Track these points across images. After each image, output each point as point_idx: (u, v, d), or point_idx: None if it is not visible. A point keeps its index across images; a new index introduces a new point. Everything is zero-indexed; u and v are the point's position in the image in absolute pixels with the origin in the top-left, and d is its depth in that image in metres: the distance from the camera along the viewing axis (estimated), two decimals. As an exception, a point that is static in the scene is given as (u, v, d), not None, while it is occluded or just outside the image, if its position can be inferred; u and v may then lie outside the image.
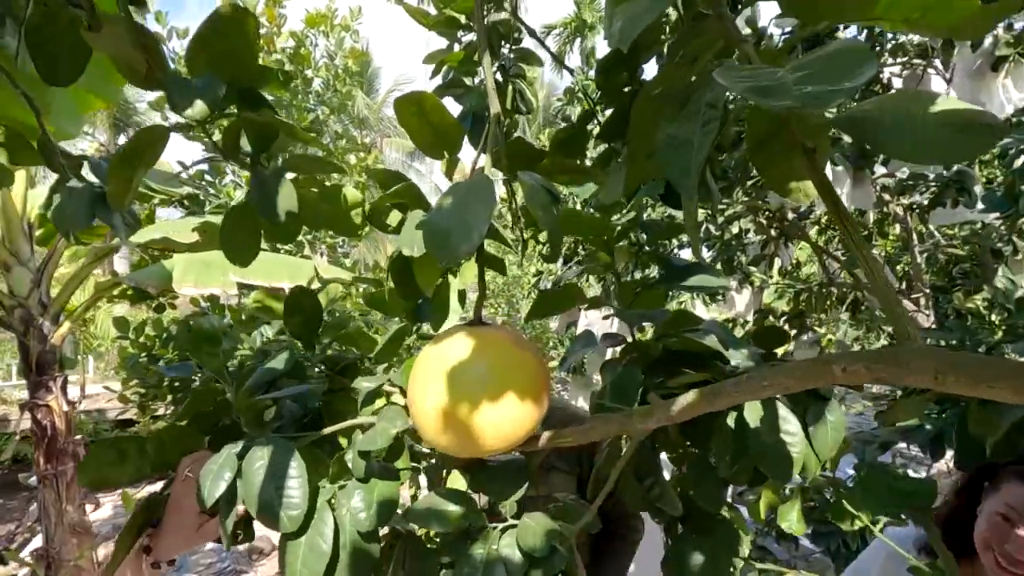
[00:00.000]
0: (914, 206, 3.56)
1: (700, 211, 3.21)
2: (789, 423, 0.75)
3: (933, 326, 3.25)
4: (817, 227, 3.58)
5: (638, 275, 0.99)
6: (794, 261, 3.95)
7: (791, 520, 0.92)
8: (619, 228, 0.89)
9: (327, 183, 0.77)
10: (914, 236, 3.27)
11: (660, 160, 0.46)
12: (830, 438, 0.77)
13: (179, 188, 3.89)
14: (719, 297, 3.77)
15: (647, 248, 0.89)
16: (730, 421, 0.80)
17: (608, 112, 0.96)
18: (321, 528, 0.68)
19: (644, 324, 0.89)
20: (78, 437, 2.88)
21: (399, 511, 0.81)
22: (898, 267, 4.32)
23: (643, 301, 0.91)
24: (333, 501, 0.75)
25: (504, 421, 0.56)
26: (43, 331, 2.69)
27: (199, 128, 0.59)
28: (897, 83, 3.38)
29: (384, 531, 0.94)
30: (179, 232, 3.14)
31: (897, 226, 3.79)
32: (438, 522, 0.70)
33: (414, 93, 0.68)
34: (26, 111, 0.89)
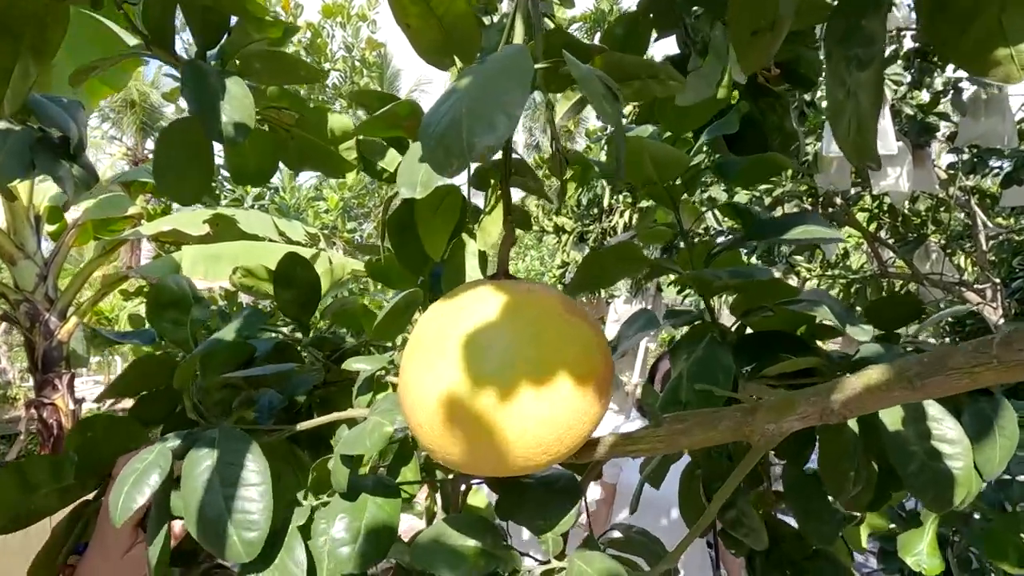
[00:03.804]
0: (975, 190, 3.25)
1: (745, 190, 2.96)
2: (946, 427, 0.53)
3: (1003, 320, 2.94)
4: (868, 214, 3.29)
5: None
6: (841, 251, 3.66)
7: (920, 554, 0.70)
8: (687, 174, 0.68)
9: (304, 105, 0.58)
10: (979, 221, 2.97)
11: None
12: (999, 450, 0.55)
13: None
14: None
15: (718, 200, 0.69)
16: (852, 423, 0.59)
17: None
18: (288, 566, 0.49)
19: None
20: (87, 437, 2.77)
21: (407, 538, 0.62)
22: (953, 258, 4.00)
23: (718, 267, 0.70)
24: (312, 524, 0.55)
25: (550, 420, 0.36)
26: (49, 327, 2.59)
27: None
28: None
29: (384, 564, 0.75)
30: (190, 224, 3.03)
31: (954, 213, 3.48)
32: (449, 563, 0.50)
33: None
34: None
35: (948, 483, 0.51)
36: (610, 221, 3.88)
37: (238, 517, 0.47)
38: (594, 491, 1.91)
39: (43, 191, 2.98)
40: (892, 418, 0.54)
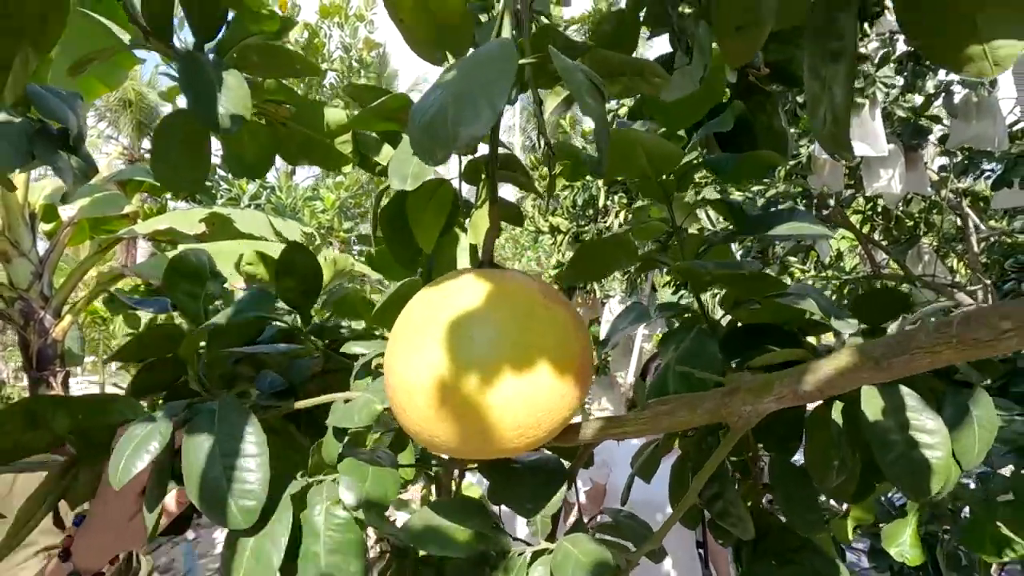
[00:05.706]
0: (967, 192, 3.28)
1: (738, 191, 2.98)
2: (925, 418, 0.54)
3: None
4: (861, 216, 3.32)
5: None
6: (834, 252, 3.68)
7: (903, 545, 0.71)
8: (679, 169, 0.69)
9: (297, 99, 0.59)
10: (971, 224, 2.99)
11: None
12: (978, 441, 0.56)
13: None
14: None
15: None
16: (836, 415, 0.60)
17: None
18: (277, 532, 0.51)
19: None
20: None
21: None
22: (945, 260, 4.03)
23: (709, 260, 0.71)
24: (308, 496, 0.56)
25: (529, 404, 0.38)
26: (44, 324, 2.58)
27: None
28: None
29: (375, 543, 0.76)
30: (185, 223, 3.02)
31: (946, 215, 3.51)
32: (441, 544, 0.51)
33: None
34: None
35: (926, 471, 0.53)
36: (605, 222, 3.90)
37: (236, 487, 0.48)
38: (584, 490, 1.91)
39: (39, 189, 2.98)
40: (873, 409, 0.56)
